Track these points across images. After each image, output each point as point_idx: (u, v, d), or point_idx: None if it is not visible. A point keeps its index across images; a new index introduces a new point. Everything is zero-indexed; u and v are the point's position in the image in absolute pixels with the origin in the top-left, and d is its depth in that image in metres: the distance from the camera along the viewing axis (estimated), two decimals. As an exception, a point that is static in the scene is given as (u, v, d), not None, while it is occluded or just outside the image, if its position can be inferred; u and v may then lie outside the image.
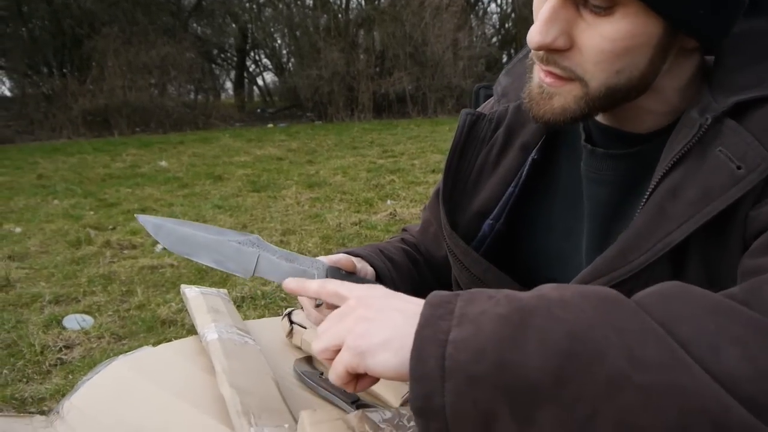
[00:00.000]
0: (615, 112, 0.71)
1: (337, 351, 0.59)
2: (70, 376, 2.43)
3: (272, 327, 1.06)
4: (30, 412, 2.17)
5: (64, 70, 11.78)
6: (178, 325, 2.91)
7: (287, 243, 4.14)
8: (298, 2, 13.62)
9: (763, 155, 0.59)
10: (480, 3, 15.05)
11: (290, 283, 0.73)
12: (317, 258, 0.81)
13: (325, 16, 12.89)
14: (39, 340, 2.72)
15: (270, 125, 11.77)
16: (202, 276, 3.47)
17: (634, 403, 0.45)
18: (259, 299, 3.17)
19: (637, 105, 0.70)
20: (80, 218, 4.96)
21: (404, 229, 1.14)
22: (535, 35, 0.65)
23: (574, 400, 0.46)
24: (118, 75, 11.12)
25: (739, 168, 0.60)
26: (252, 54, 15.92)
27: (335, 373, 0.59)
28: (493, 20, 15.84)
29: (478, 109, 0.91)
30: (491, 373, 0.48)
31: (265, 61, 16.08)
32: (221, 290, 1.13)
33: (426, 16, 12.13)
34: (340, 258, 0.84)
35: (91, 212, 5.19)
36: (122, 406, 0.81)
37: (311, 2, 13.29)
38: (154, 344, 1.01)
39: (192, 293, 1.07)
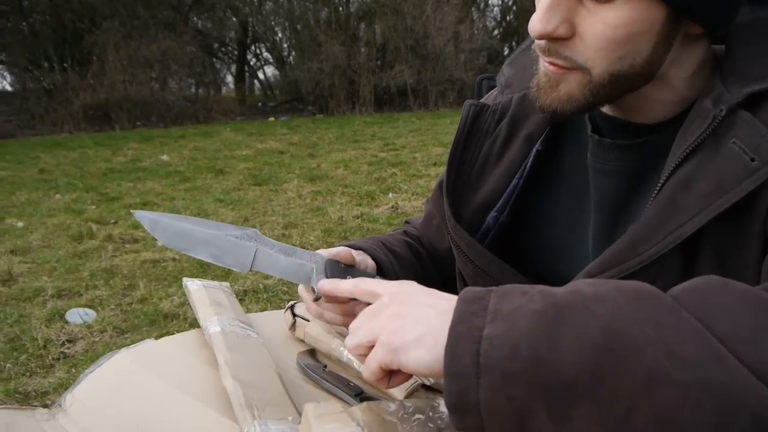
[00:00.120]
0: (622, 102, 0.71)
1: (371, 347, 0.59)
2: (73, 370, 2.44)
3: (275, 320, 1.06)
4: (33, 406, 2.17)
5: (65, 65, 11.75)
6: (181, 319, 2.92)
7: (289, 236, 4.14)
8: (299, -5, 13.58)
9: None
10: (481, -5, 15.00)
11: (325, 285, 0.74)
12: (316, 251, 0.81)
13: (325, 9, 12.84)
14: (42, 334, 2.72)
15: (271, 119, 11.75)
16: (204, 269, 3.47)
17: (673, 400, 0.45)
18: (262, 292, 3.17)
19: (645, 94, 0.69)
20: (82, 212, 4.96)
21: (407, 222, 1.13)
22: (536, 24, 0.64)
23: (611, 396, 0.46)
24: (118, 69, 11.09)
25: (752, 160, 0.59)
26: (253, 47, 15.88)
27: (369, 369, 0.58)
28: (495, 13, 15.78)
29: (482, 100, 0.91)
30: (526, 370, 0.47)
31: (265, 54, 16.05)
32: (223, 283, 1.13)
33: (427, 9, 12.08)
34: (339, 251, 0.83)
35: (93, 206, 5.19)
36: (124, 399, 0.81)
37: (312, -5, 13.26)
38: (157, 338, 1.00)
39: (194, 286, 1.07)
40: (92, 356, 2.53)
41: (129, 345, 0.96)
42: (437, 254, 1.02)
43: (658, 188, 0.65)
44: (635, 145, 0.73)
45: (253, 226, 4.27)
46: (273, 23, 14.71)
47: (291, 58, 14.72)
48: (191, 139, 9.01)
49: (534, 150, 0.84)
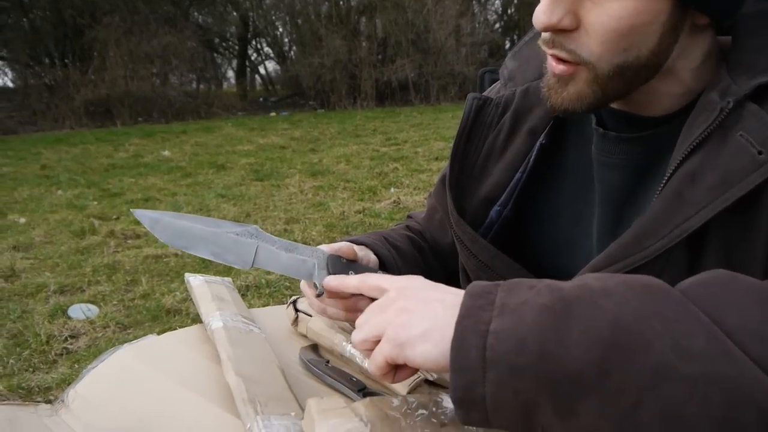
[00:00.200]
0: (629, 96, 0.70)
1: (377, 342, 0.59)
2: (76, 366, 2.44)
3: (277, 315, 1.05)
4: (36, 401, 2.18)
5: (66, 61, 11.74)
6: (183, 314, 2.92)
7: (291, 232, 4.14)
8: (299, -11, 13.54)
9: None
10: (482, -11, 14.95)
11: (331, 281, 0.74)
12: (317, 247, 0.80)
13: (326, 3, 12.80)
14: (44, 330, 2.72)
15: (272, 114, 11.74)
16: (207, 265, 3.47)
17: (680, 394, 0.45)
18: (264, 288, 3.17)
19: (652, 87, 0.69)
20: (84, 208, 4.96)
21: (409, 216, 1.13)
22: (540, 15, 0.64)
23: (617, 390, 0.46)
24: (119, 65, 11.08)
25: (760, 153, 0.58)
26: (253, 42, 15.86)
27: (375, 363, 0.59)
28: (496, 6, 15.71)
29: (485, 94, 0.90)
30: (533, 364, 0.47)
31: (266, 49, 16.02)
32: (225, 279, 1.12)
33: (428, 3, 12.05)
34: (340, 246, 0.83)
35: (95, 202, 5.20)
36: (127, 394, 0.81)
37: (312, -11, 13.22)
38: (159, 333, 1.00)
39: (196, 282, 1.07)
40: (95, 352, 2.53)
41: (131, 340, 0.96)
42: (440, 249, 1.02)
43: (664, 181, 0.65)
44: (640, 138, 0.72)
45: (255, 222, 4.28)
46: (274, 18, 14.69)
47: (292, 52, 14.70)
48: (193, 135, 9.00)
49: (537, 143, 0.83)
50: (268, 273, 3.28)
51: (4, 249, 3.93)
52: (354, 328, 0.63)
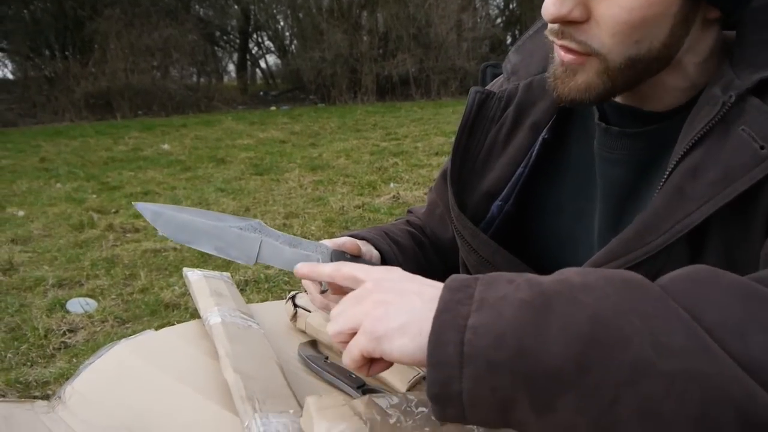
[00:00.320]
0: (637, 89, 0.69)
1: (353, 334, 0.57)
2: (74, 360, 2.44)
3: (276, 310, 1.05)
4: (34, 397, 2.17)
5: (66, 53, 11.72)
6: (182, 309, 2.91)
7: (290, 226, 4.13)
8: (301, -17, 13.50)
9: None
10: (484, -17, 14.91)
11: (302, 268, 0.71)
12: (321, 242, 0.79)
13: (327, -3, 12.79)
14: (43, 324, 2.72)
15: (273, 108, 11.72)
16: (205, 259, 3.47)
17: (658, 391, 0.44)
18: (263, 282, 3.16)
19: (659, 81, 0.68)
20: (83, 202, 4.95)
21: (409, 211, 1.12)
22: (549, 6, 0.63)
23: (595, 386, 0.45)
24: (120, 57, 11.06)
25: (762, 148, 0.58)
26: (254, 36, 15.82)
27: (350, 356, 0.57)
28: (497, 1, 15.70)
29: (488, 87, 0.89)
30: (511, 360, 0.46)
31: (267, 43, 15.98)
32: (224, 273, 1.12)
33: (429, -3, 12.03)
34: (345, 242, 0.82)
35: (94, 195, 5.19)
36: (124, 390, 0.80)
37: (314, -17, 13.18)
38: (157, 328, 0.99)
39: (194, 277, 1.06)
40: (93, 346, 2.52)
41: (130, 335, 0.95)
42: (440, 244, 1.01)
43: (665, 176, 0.64)
44: (643, 134, 0.72)
45: (255, 216, 4.27)
46: (275, 11, 14.65)
47: (293, 46, 14.68)
48: (192, 128, 8.99)
49: (540, 138, 0.83)
50: (268, 267, 3.27)
51: (3, 242, 3.92)
52: None
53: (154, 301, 2.98)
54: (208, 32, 14.22)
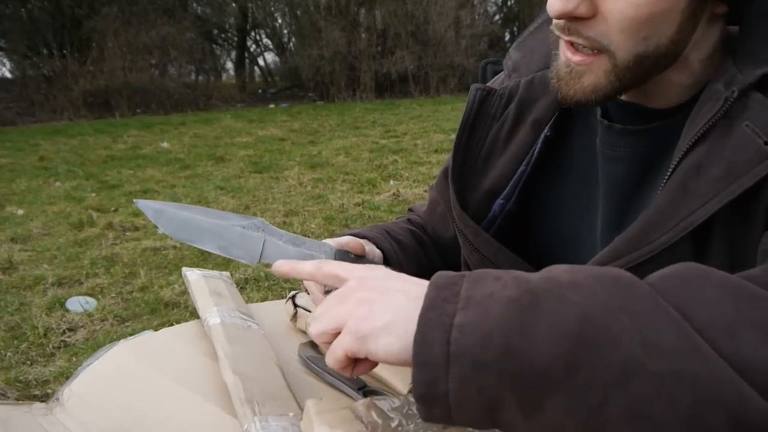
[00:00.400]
0: (641, 87, 0.68)
1: (336, 335, 0.55)
2: (74, 359, 2.43)
3: (276, 310, 1.04)
4: (33, 395, 2.17)
5: (64, 51, 11.69)
6: (182, 307, 2.90)
7: (290, 224, 4.13)
8: (299, -20, 13.47)
9: None
10: (482, -20, 14.87)
11: (282, 266, 0.68)
12: (324, 241, 0.78)
13: (325, -6, 12.76)
14: (42, 323, 2.71)
15: (271, 106, 11.70)
16: (205, 258, 3.46)
17: (647, 391, 0.43)
18: (263, 281, 3.15)
19: (664, 77, 0.67)
20: (82, 200, 4.95)
21: (410, 210, 1.11)
22: (555, 2, 0.62)
23: (584, 387, 0.44)
24: (118, 56, 11.03)
25: (766, 144, 0.57)
26: (253, 34, 15.78)
27: (333, 356, 0.55)
28: (496, -3, 15.65)
29: (488, 84, 0.88)
30: (498, 359, 0.45)
31: (265, 40, 15.94)
32: (224, 273, 1.11)
33: (428, -6, 12.01)
34: (348, 241, 0.81)
35: (93, 194, 5.18)
36: (123, 392, 0.79)
37: (311, -20, 13.15)
38: (157, 327, 0.99)
39: (194, 276, 1.05)
40: (93, 345, 2.52)
41: (130, 333, 0.95)
42: (442, 243, 1.00)
43: (668, 174, 0.63)
44: (646, 131, 0.71)
45: (254, 214, 4.26)
46: (273, 9, 14.62)
47: (291, 44, 14.64)
48: (191, 126, 8.97)
49: (542, 135, 0.82)
50: (268, 265, 3.25)
51: (2, 241, 3.92)
52: None
53: (153, 300, 2.98)
54: (206, 30, 14.18)
